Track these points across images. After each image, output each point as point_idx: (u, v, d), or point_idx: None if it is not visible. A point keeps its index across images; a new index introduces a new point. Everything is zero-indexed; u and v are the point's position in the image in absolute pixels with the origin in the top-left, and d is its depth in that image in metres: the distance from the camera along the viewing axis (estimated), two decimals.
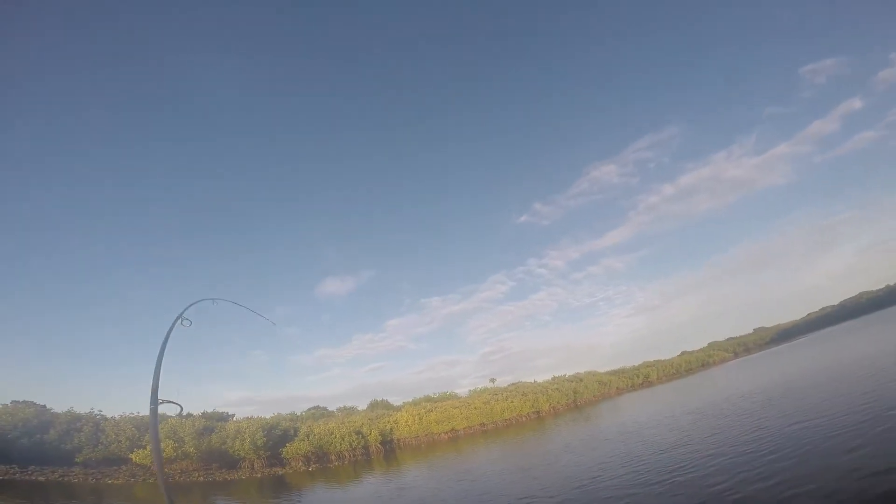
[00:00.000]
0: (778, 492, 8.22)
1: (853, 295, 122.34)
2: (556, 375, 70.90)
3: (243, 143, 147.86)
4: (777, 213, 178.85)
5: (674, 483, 10.61)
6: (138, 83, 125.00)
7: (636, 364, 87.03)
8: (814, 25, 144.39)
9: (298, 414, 56.15)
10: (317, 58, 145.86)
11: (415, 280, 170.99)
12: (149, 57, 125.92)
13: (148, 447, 28.63)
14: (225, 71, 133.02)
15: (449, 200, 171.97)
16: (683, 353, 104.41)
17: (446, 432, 47.04)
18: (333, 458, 36.43)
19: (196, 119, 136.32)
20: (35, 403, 31.30)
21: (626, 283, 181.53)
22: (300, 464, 34.12)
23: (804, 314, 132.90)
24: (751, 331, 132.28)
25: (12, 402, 31.02)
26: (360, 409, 61.05)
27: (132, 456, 28.45)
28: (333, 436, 37.38)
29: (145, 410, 38.18)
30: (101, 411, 33.05)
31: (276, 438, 34.89)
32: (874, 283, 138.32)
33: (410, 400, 59.96)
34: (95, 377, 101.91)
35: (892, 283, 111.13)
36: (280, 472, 30.80)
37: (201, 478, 27.50)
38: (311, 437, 36.06)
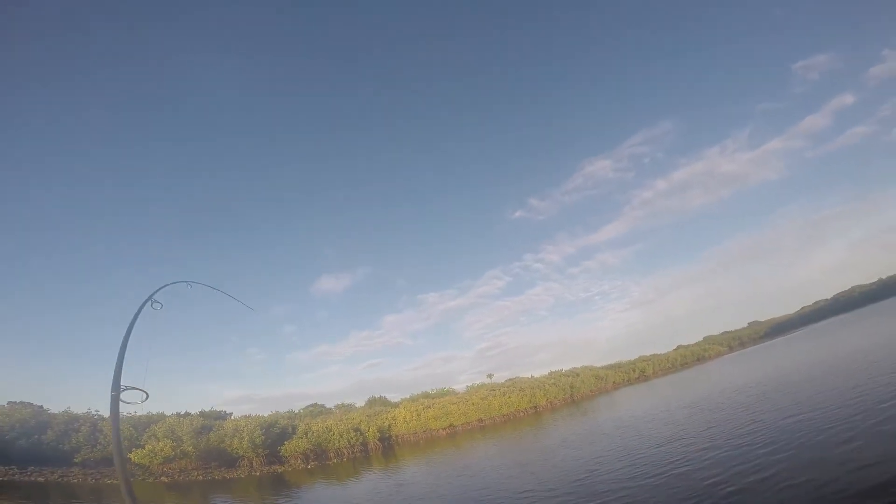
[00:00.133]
0: (772, 484, 8.37)
1: (846, 289, 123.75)
2: (553, 370, 71.30)
3: (239, 142, 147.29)
4: (770, 207, 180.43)
5: (670, 476, 10.77)
6: (136, 82, 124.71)
7: (632, 358, 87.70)
8: (806, 22, 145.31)
9: (296, 412, 56.19)
10: (313, 56, 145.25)
11: (411, 276, 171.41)
12: (148, 56, 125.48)
13: (147, 446, 28.63)
14: (221, 70, 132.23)
15: (445, 196, 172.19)
16: (679, 347, 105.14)
17: (444, 428, 47.24)
18: (332, 455, 36.54)
19: (192, 118, 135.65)
20: (32, 404, 31.21)
21: (622, 278, 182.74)
22: (299, 461, 34.19)
23: (798, 308, 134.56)
24: (745, 325, 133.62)
25: (9, 402, 30.93)
26: (358, 406, 61.13)
27: (131, 455, 28.38)
28: (332, 433, 37.46)
29: (142, 410, 38.20)
30: (98, 411, 32.95)
31: (274, 436, 34.94)
32: (867, 276, 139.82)
33: (408, 396, 60.14)
34: (92, 377, 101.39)
35: (884, 277, 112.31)
36: (279, 470, 30.88)
37: (200, 477, 27.53)
38: (309, 435, 36.13)
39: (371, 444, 40.49)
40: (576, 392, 62.68)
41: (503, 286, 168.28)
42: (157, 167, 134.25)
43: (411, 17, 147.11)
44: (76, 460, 27.33)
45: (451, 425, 47.69)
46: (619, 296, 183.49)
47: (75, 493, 20.46)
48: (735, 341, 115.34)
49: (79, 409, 32.34)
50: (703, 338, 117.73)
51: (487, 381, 69.07)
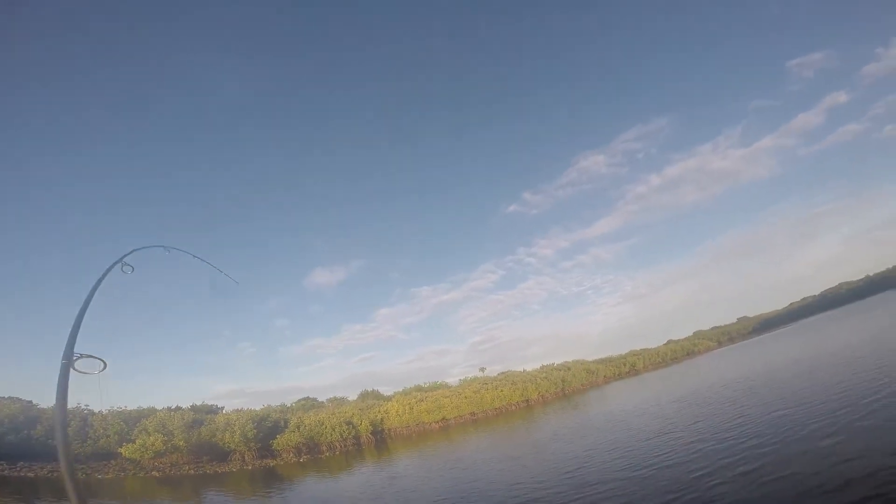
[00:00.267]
0: (757, 477, 8.56)
1: (834, 285, 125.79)
2: (545, 364, 71.87)
3: (232, 135, 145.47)
4: (761, 204, 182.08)
5: (659, 468, 10.96)
6: (131, 75, 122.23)
7: (623, 353, 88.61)
8: (802, 20, 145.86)
9: (289, 405, 56.24)
10: (308, 50, 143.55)
11: (405, 270, 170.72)
12: (143, 51, 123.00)
13: (137, 441, 28.50)
14: (214, 64, 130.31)
15: (439, 190, 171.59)
16: (669, 341, 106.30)
17: (437, 422, 47.51)
18: (324, 448, 36.62)
19: (184, 112, 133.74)
20: (21, 399, 30.89)
21: (614, 273, 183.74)
22: (291, 455, 34.23)
23: (786, 304, 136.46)
24: (734, 320, 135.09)
25: None
26: (350, 399, 61.28)
27: (121, 450, 28.29)
28: (324, 426, 37.53)
29: (133, 405, 37.95)
30: (87, 406, 32.71)
31: (266, 430, 34.93)
32: (855, 273, 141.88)
33: (401, 390, 60.33)
34: (81, 372, 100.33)
35: (871, 274, 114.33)
36: (271, 464, 30.90)
37: (192, 471, 27.49)
38: (301, 429, 36.15)
39: (363, 437, 40.66)
40: (567, 386, 63.27)
41: (496, 280, 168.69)
42: (149, 161, 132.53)
43: (406, 12, 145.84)
44: None
45: (443, 419, 47.95)
46: (611, 290, 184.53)
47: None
48: (724, 336, 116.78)
49: (68, 403, 32.01)
50: (693, 333, 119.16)
51: (480, 374, 69.54)
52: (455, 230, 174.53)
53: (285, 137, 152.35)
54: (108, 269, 6.37)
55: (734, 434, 12.45)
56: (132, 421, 31.69)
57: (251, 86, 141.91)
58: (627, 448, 14.46)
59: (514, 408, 52.75)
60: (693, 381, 34.61)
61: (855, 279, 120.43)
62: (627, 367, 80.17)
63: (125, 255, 6.67)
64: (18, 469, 22.86)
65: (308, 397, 63.13)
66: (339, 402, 59.68)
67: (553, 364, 72.05)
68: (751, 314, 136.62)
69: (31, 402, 31.14)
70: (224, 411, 41.67)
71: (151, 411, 34.42)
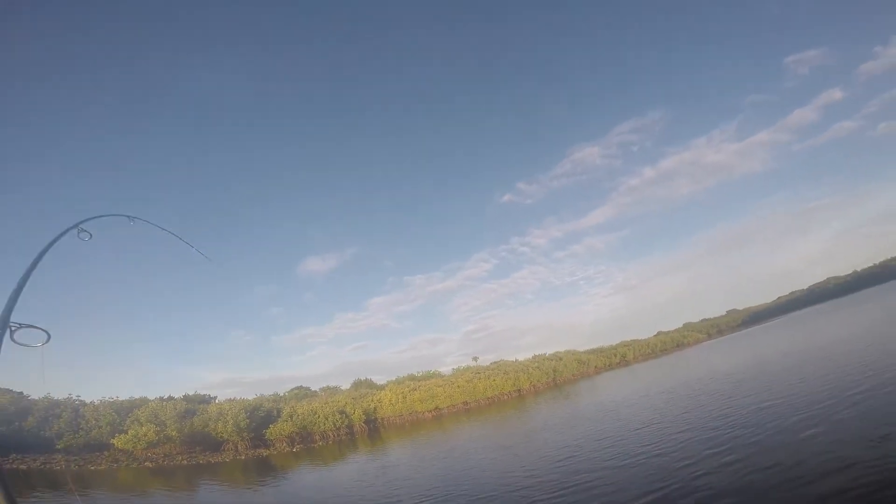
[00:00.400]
0: (741, 467, 8.80)
1: (822, 280, 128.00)
2: (538, 354, 72.55)
3: (225, 124, 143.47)
4: (754, 199, 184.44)
5: (647, 458, 11.20)
6: (125, 67, 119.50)
7: (614, 343, 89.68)
8: (802, 17, 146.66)
9: (282, 394, 56.36)
10: (303, 40, 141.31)
11: (398, 258, 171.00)
12: (137, 46, 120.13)
13: (130, 432, 28.49)
14: (208, 54, 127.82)
15: (434, 179, 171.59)
16: (659, 333, 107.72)
17: (430, 411, 47.92)
18: (318, 438, 36.86)
19: (180, 101, 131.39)
20: (11, 391, 30.63)
21: (606, 263, 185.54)
22: (284, 445, 34.42)
23: (775, 297, 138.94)
24: (724, 313, 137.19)
25: None
26: (343, 388, 61.49)
27: (114, 441, 28.28)
28: (317, 416, 37.71)
29: (125, 395, 37.82)
30: (79, 396, 32.61)
31: (259, 420, 35.04)
32: (843, 268, 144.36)
33: (394, 379, 60.60)
34: (72, 362, 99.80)
35: (859, 269, 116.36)
36: (265, 454, 31.05)
37: (185, 461, 27.56)
38: (294, 418, 36.30)
39: (356, 426, 40.94)
40: (558, 376, 63.99)
41: (490, 269, 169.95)
42: (144, 151, 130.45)
43: (402, 3, 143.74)
44: (58, 446, 27.07)
45: (436, 408, 48.38)
46: (603, 281, 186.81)
47: (58, 480, 20.35)
48: (713, 329, 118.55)
49: (59, 394, 31.89)
50: (683, 324, 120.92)
51: (473, 364, 70.08)
52: (449, 219, 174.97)
53: (279, 126, 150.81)
54: (62, 234, 6.04)
55: (721, 425, 12.74)
56: (124, 411, 31.63)
57: (244, 75, 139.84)
58: (617, 438, 14.72)
59: (506, 397, 53.30)
60: (682, 372, 35.16)
61: (842, 274, 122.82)
62: (618, 358, 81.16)
63: (83, 221, 6.35)
64: (10, 461, 22.79)
65: (301, 386, 63.29)
66: (332, 391, 59.90)
67: (545, 354, 72.81)
68: (740, 307, 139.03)
69: (21, 392, 30.95)
70: (217, 401, 41.69)
71: (144, 401, 34.34)
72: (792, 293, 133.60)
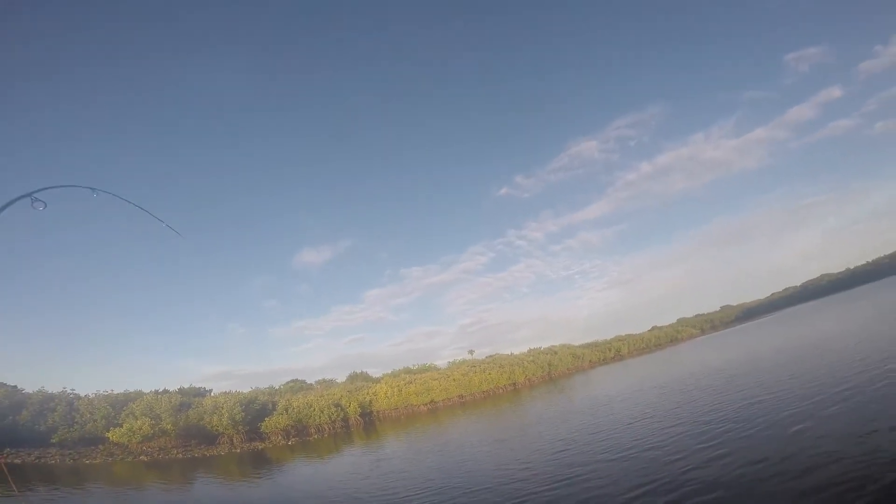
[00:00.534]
0: (731, 461, 8.94)
1: (815, 276, 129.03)
2: (533, 348, 72.86)
3: (219, 114, 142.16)
4: (749, 195, 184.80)
5: (639, 451, 11.35)
6: (116, 62, 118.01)
7: (608, 338, 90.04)
8: (801, 14, 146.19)
9: (277, 387, 56.38)
10: (300, 32, 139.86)
11: (394, 250, 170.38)
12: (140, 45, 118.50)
13: (125, 425, 28.46)
14: (204, 45, 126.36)
15: (431, 170, 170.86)
16: (654, 328, 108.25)
17: (425, 404, 48.11)
18: (313, 431, 36.93)
19: (173, 91, 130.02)
20: (5, 384, 30.45)
21: (602, 258, 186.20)
22: (280, 438, 34.48)
23: (768, 294, 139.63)
24: (718, 308, 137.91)
25: None
26: (339, 381, 61.55)
27: (109, 434, 28.24)
28: (312, 409, 37.75)
29: (119, 388, 37.73)
30: (73, 390, 32.46)
31: (254, 413, 35.06)
32: (837, 265, 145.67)
33: (390, 372, 60.75)
34: (67, 355, 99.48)
35: (852, 267, 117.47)
36: (260, 447, 31.13)
37: (180, 455, 27.59)
38: (289, 411, 36.33)
39: (352, 419, 41.04)
40: (553, 370, 64.38)
41: (486, 262, 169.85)
42: (137, 145, 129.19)
43: None
44: (53, 440, 27.02)
45: (432, 401, 48.58)
46: (598, 275, 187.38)
47: (54, 474, 20.36)
48: (707, 324, 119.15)
49: (53, 388, 31.77)
50: (677, 319, 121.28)
51: (469, 357, 70.33)
52: (446, 211, 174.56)
53: (274, 116, 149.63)
54: (13, 201, 5.88)
55: (712, 420, 12.92)
56: (119, 405, 31.57)
57: (238, 65, 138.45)
58: (610, 432, 14.90)
59: (501, 391, 53.61)
60: (675, 367, 35.49)
61: (836, 271, 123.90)
62: (612, 353, 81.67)
63: (38, 190, 6.19)
64: (5, 455, 22.69)
65: (296, 379, 63.29)
66: (327, 383, 59.96)
67: (540, 348, 73.15)
68: (734, 303, 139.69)
69: (15, 386, 30.81)
70: (212, 394, 41.62)
71: (139, 394, 34.29)
72: (785, 289, 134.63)
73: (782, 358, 22.28)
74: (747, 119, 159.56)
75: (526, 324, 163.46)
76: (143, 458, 26.25)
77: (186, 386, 41.61)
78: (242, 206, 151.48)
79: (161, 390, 37.35)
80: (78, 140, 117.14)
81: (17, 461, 22.13)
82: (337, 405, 39.85)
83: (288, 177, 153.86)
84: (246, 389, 43.18)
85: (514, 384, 56.11)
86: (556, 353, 69.31)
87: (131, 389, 35.51)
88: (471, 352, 74.01)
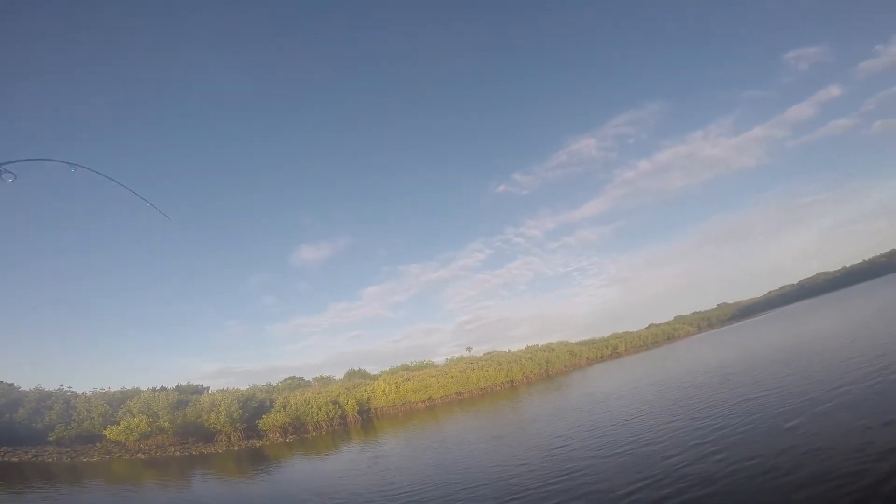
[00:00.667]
0: (724, 457, 9.02)
1: (812, 275, 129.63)
2: (530, 345, 72.95)
3: (218, 112, 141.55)
4: (747, 193, 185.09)
5: (635, 448, 11.42)
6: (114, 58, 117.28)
7: (606, 335, 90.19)
8: (801, 13, 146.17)
9: (275, 385, 56.44)
10: (299, 30, 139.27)
11: (392, 247, 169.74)
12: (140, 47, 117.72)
13: (122, 423, 28.42)
14: (202, 42, 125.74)
15: (429, 168, 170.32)
16: (651, 325, 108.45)
17: (423, 401, 48.21)
18: (311, 428, 36.97)
19: (168, 89, 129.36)
20: (2, 382, 30.35)
21: (599, 255, 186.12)
22: (277, 435, 34.48)
23: (765, 292, 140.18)
24: (714, 306, 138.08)
25: None
26: (337, 378, 61.55)
27: (106, 432, 28.19)
28: (310, 406, 37.79)
29: (116, 385, 37.67)
30: (70, 387, 32.37)
31: (252, 410, 35.06)
32: (834, 263, 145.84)
33: (388, 369, 60.75)
34: (63, 353, 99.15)
35: (848, 266, 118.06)
36: (258, 445, 31.15)
37: (178, 452, 27.57)
38: (287, 408, 36.34)
39: (350, 416, 41.10)
40: (551, 367, 64.55)
41: (484, 259, 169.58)
42: (134, 141, 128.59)
43: None
44: (50, 438, 26.95)
45: (429, 398, 48.67)
46: (596, 272, 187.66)
47: (52, 473, 20.32)
48: (704, 322, 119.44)
49: (50, 385, 31.67)
50: (674, 317, 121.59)
51: (467, 354, 70.35)
52: (444, 208, 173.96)
53: (272, 113, 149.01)
54: None
55: (708, 416, 13.01)
56: (116, 402, 31.52)
57: (236, 63, 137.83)
58: (607, 429, 14.98)
59: (499, 388, 53.74)
60: (672, 365, 35.64)
61: (832, 270, 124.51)
62: (610, 350, 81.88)
63: (9, 162, 6.17)
64: (1, 454, 22.69)
65: (294, 376, 63.34)
66: (325, 381, 59.99)
67: (538, 345, 73.25)
68: (730, 301, 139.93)
69: (12, 384, 30.69)
70: (210, 391, 41.58)
71: (136, 392, 34.23)
72: (782, 288, 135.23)
73: (778, 356, 22.41)
74: (746, 117, 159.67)
75: (524, 321, 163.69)
76: (140, 455, 26.23)
77: (184, 383, 41.61)
78: (241, 203, 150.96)
79: (158, 388, 37.28)
80: (78, 140, 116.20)
81: (14, 459, 22.07)
82: (335, 402, 39.89)
83: (286, 174, 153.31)
84: (244, 387, 43.17)
85: (512, 381, 56.25)
86: (553, 350, 69.48)
87: (129, 387, 35.48)
88: (469, 349, 74.14)
